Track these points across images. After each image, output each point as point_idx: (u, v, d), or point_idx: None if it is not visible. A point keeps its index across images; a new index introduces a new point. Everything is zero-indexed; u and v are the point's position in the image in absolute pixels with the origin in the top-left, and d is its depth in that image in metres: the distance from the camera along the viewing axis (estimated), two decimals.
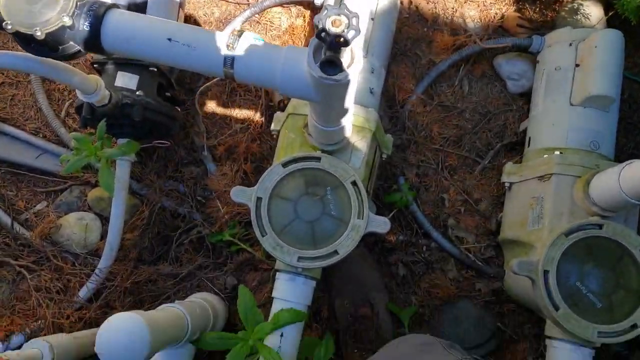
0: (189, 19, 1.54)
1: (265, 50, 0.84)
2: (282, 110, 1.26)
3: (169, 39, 0.84)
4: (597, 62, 1.17)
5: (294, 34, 1.57)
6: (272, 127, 1.24)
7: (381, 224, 1.03)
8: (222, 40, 0.84)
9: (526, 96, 1.49)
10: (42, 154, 1.46)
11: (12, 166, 1.43)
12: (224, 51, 0.83)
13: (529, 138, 1.31)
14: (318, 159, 1.07)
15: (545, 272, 0.98)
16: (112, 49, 0.87)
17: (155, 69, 1.28)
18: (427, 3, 1.57)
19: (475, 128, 1.48)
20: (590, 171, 1.08)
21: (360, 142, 1.13)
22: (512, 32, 1.54)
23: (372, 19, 1.29)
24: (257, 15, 1.55)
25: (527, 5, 1.59)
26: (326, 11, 0.68)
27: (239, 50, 0.83)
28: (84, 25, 0.83)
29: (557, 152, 1.15)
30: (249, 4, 1.57)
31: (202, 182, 1.44)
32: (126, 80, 1.25)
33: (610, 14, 1.48)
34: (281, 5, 1.56)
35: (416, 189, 1.43)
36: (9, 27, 0.80)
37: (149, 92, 1.26)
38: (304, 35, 1.56)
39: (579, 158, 1.12)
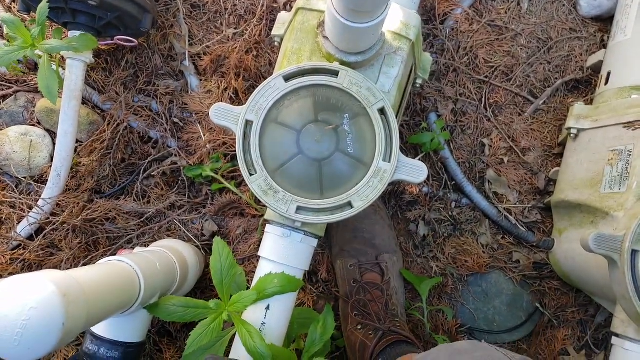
0: None
1: None
2: (288, 12, 0.95)
3: None
4: None
5: None
6: (274, 31, 0.93)
7: (416, 170, 0.75)
8: None
9: (602, 21, 1.16)
10: None
11: None
12: None
13: (608, 73, 1.00)
14: (335, 73, 0.76)
15: (634, 253, 0.71)
16: None
17: None
18: None
19: (531, 58, 1.16)
20: None
21: (393, 56, 0.82)
22: None
23: None
24: None
25: None
26: None
27: None
28: None
29: None
30: None
31: (181, 99, 1.14)
32: None
33: None
34: None
35: (450, 130, 1.14)
36: None
37: None
38: None
39: None
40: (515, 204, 1.11)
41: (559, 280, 1.06)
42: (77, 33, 0.95)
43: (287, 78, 0.77)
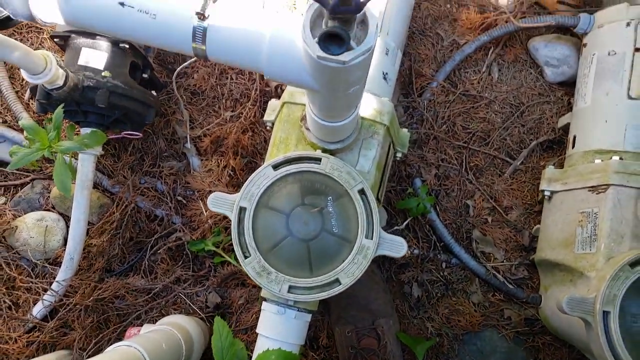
0: None
1: (247, 19, 0.62)
2: (279, 97, 1.05)
3: (121, 3, 0.62)
4: None
5: None
6: (266, 117, 1.03)
7: (396, 246, 0.82)
8: (192, 6, 0.62)
9: (567, 86, 1.26)
10: (1, 141, 1.25)
11: None
12: (194, 21, 0.62)
13: (574, 137, 1.08)
14: (318, 160, 0.85)
15: (605, 314, 0.77)
16: (44, 16, 0.66)
17: (127, 45, 1.07)
18: None
19: (505, 122, 1.25)
20: None
21: (370, 140, 0.92)
22: (551, 9, 1.31)
23: None
24: None
25: None
26: None
27: (213, 19, 0.61)
28: None
29: (615, 158, 0.93)
30: None
31: (184, 179, 1.24)
32: (91, 57, 1.03)
33: None
34: None
35: (435, 194, 1.21)
36: None
37: (120, 73, 1.04)
38: None
39: None
40: (503, 261, 1.17)
41: (551, 335, 1.10)
42: (88, 130, 1.05)
43: (276, 166, 0.86)
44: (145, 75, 1.15)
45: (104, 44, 1.04)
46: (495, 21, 1.27)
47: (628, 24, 1.05)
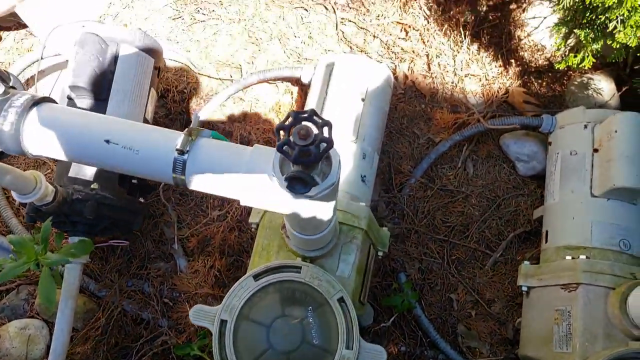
0: (167, 94, 1.41)
1: (223, 154, 0.67)
2: None
3: (107, 141, 0.68)
4: (619, 150, 1.01)
5: (281, 112, 1.43)
6: (251, 219, 1.06)
7: (376, 355, 0.83)
8: (172, 143, 0.67)
9: (538, 179, 1.32)
10: None
11: None
12: (174, 154, 0.67)
13: (546, 232, 1.12)
14: (298, 268, 0.88)
15: None
16: (38, 153, 0.71)
17: None
18: (425, 77, 1.44)
19: (483, 215, 1.30)
20: (625, 281, 0.90)
21: (349, 245, 0.95)
22: (518, 108, 1.40)
23: (363, 99, 1.15)
24: (241, 91, 1.43)
25: (533, 79, 1.46)
26: (290, 118, 0.52)
27: (192, 154, 0.67)
28: (2, 124, 0.68)
29: (583, 257, 0.97)
30: (232, 80, 1.45)
31: (171, 280, 1.25)
32: (81, 170, 1.09)
33: (624, 89, 1.34)
34: (267, 81, 1.43)
35: (419, 288, 1.23)
36: None
37: (108, 184, 1.09)
38: None
39: (609, 264, 0.94)
40: (489, 356, 1.16)
41: None
42: (76, 239, 1.08)
43: (257, 276, 0.88)
44: (134, 181, 1.20)
45: None
46: (467, 121, 1.35)
47: (585, 126, 1.13)
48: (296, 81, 1.39)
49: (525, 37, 1.51)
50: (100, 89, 1.10)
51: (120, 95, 1.12)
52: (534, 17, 1.52)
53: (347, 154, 1.09)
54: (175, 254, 1.28)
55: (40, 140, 0.69)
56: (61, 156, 0.70)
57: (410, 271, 1.25)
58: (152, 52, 1.20)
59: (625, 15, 1.06)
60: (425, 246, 1.27)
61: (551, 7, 1.45)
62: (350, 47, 1.47)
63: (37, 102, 0.70)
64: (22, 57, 1.37)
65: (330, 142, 0.52)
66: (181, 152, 0.66)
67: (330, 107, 1.13)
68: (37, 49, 1.45)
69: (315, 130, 0.53)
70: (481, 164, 1.35)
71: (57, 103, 0.74)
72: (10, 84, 0.74)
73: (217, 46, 1.48)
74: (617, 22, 1.08)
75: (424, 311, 1.20)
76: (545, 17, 1.49)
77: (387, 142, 1.36)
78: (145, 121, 1.18)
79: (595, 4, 1.10)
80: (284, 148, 0.51)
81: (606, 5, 1.06)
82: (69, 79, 1.07)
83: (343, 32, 1.48)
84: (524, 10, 1.52)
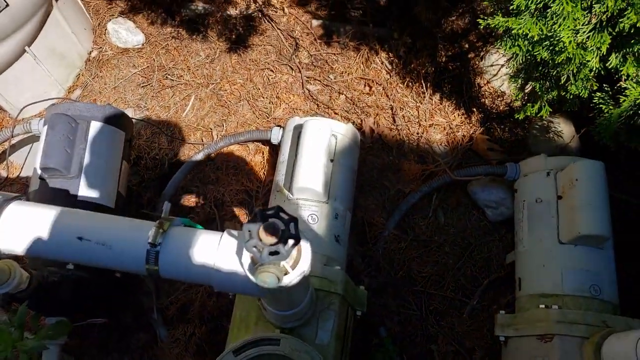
0: (140, 161, 1.43)
1: (195, 243, 0.69)
2: None
3: (80, 238, 0.69)
4: (582, 198, 1.06)
5: (252, 172, 1.45)
6: None
7: None
8: (144, 235, 0.69)
9: (507, 224, 1.36)
10: None
11: None
12: (147, 247, 0.68)
13: (519, 279, 1.16)
14: (277, 341, 0.88)
15: None
16: (10, 250, 0.72)
17: None
18: (390, 130, 1.49)
19: (457, 263, 1.33)
20: (597, 330, 0.92)
21: (327, 311, 0.96)
22: (483, 155, 1.46)
23: (332, 160, 1.18)
24: (213, 154, 1.45)
25: (496, 125, 1.52)
26: (257, 218, 0.55)
27: (164, 246, 0.68)
28: None
29: (555, 306, 1.00)
30: (203, 144, 1.47)
31: (151, 351, 1.24)
32: None
33: (582, 130, 1.41)
34: (237, 143, 1.46)
35: (400, 341, 1.24)
36: None
37: None
38: (263, 173, 1.44)
39: (582, 314, 0.97)
40: None
41: None
42: (53, 320, 1.07)
43: (236, 351, 0.88)
44: None
45: None
46: (434, 171, 1.40)
47: (548, 174, 1.18)
48: (266, 141, 1.42)
49: (484, 84, 1.58)
50: (72, 167, 1.11)
51: (92, 171, 1.13)
52: (491, 65, 1.60)
53: (320, 215, 1.12)
54: (155, 324, 1.26)
55: (13, 239, 0.70)
56: (35, 254, 0.71)
57: (390, 325, 1.26)
58: (123, 125, 1.22)
59: (575, 70, 1.13)
60: (402, 298, 1.29)
61: (506, 59, 1.53)
62: (317, 105, 1.52)
63: (8, 200, 0.71)
64: None
65: (297, 239, 0.55)
66: (153, 244, 0.68)
67: (301, 171, 1.16)
68: (7, 126, 1.46)
69: (282, 226, 0.55)
70: (451, 212, 1.39)
71: (28, 201, 0.75)
72: None
73: (187, 111, 1.51)
74: (570, 74, 1.14)
75: None
76: (502, 65, 1.57)
77: (359, 196, 1.40)
78: (119, 194, 1.19)
79: (546, 59, 1.17)
80: (254, 248, 0.53)
81: (556, 62, 1.12)
82: (40, 160, 1.08)
83: (309, 91, 1.53)
84: (481, 59, 1.60)
